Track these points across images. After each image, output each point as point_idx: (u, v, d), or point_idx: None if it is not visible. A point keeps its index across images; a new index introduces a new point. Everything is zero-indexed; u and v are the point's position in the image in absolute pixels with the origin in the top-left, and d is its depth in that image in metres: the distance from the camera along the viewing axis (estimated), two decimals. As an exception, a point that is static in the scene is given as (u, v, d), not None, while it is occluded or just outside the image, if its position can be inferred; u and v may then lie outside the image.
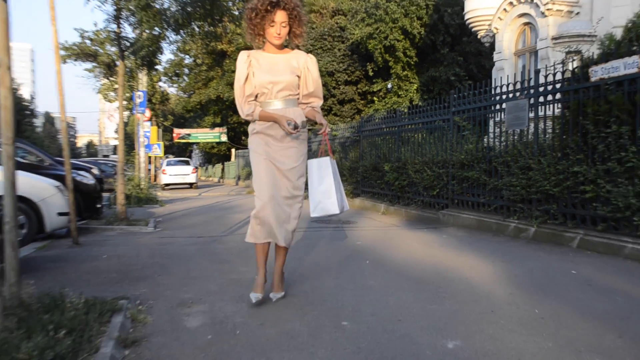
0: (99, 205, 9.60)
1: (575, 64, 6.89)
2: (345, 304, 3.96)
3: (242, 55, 3.93)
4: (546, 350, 3.01)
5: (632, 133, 5.77)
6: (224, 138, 38.48)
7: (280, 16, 3.78)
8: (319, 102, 4.09)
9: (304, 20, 3.92)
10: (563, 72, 6.90)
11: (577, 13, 15.59)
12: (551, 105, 7.14)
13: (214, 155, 46.73)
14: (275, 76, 3.88)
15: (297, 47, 4.05)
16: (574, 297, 4.11)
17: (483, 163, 8.29)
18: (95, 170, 14.86)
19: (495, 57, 18.08)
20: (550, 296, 4.15)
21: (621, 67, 5.88)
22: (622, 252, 5.66)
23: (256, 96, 3.93)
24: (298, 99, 4.04)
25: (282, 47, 4.00)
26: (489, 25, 18.25)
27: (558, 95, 6.96)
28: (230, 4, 13.12)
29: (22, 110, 35.51)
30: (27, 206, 7.06)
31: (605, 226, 6.06)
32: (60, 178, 7.76)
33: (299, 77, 3.97)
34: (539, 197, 7.02)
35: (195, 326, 3.50)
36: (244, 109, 3.91)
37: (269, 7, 3.76)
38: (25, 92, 45.01)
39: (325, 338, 3.24)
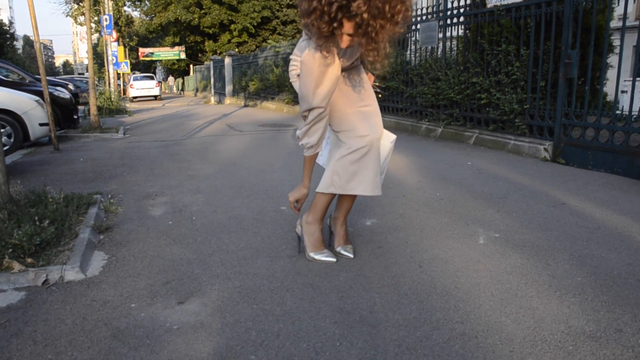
0: (75, 117, 9.24)
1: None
2: (284, 193, 4.00)
3: None
4: (443, 224, 3.16)
5: (517, 51, 5.83)
6: (183, 55, 37.06)
7: None
8: None
9: None
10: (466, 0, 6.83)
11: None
12: (456, 27, 7.10)
13: (174, 71, 45.06)
14: None
15: None
16: (467, 183, 4.27)
17: (401, 75, 8.28)
18: (70, 86, 14.18)
19: (414, -16, 17.62)
20: (450, 183, 4.30)
21: (510, -4, 5.86)
22: (507, 147, 5.87)
23: None
24: None
25: None
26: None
27: (462, 19, 6.89)
28: None
29: (2, 34, 32.59)
30: (13, 118, 6.84)
31: (495, 127, 6.24)
32: (39, 93, 7.45)
33: None
34: (445, 103, 7.11)
35: (159, 214, 3.49)
36: None
37: None
38: (3, 17, 41.33)
39: (267, 220, 3.29)
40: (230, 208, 3.62)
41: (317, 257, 2.54)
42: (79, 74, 78.37)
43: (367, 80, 2.53)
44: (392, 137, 2.57)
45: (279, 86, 14.70)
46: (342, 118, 2.43)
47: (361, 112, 2.44)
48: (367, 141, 2.39)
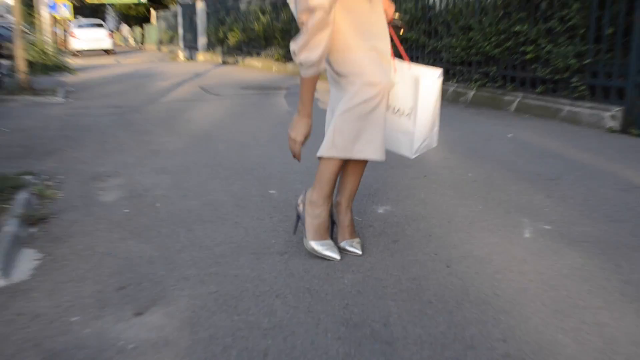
0: (-4, 74, 9.12)
1: None
2: (273, 172, 3.99)
3: None
4: (476, 212, 3.12)
5: (576, -12, 5.75)
6: (143, -2, 36.90)
7: None
8: None
9: None
10: None
11: None
12: (495, -41, 7.01)
13: (131, 18, 44.80)
14: None
15: None
16: (508, 160, 4.24)
17: (423, 23, 8.20)
18: (-14, 33, 14.03)
19: None
20: (485, 160, 4.27)
21: None
22: (559, 114, 5.83)
23: None
24: None
25: None
26: None
27: (502, -52, 6.81)
28: None
29: None
30: None
31: (544, 88, 6.19)
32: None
33: None
34: (478, 59, 7.05)
35: (111, 200, 3.45)
36: None
37: None
38: None
39: (251, 207, 3.25)
40: (204, 192, 3.59)
41: (318, 247, 2.46)
42: None
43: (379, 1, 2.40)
44: (437, 71, 2.37)
45: (266, 38, 14.61)
46: (347, 55, 2.29)
47: (372, 51, 2.31)
48: (377, 90, 2.27)
